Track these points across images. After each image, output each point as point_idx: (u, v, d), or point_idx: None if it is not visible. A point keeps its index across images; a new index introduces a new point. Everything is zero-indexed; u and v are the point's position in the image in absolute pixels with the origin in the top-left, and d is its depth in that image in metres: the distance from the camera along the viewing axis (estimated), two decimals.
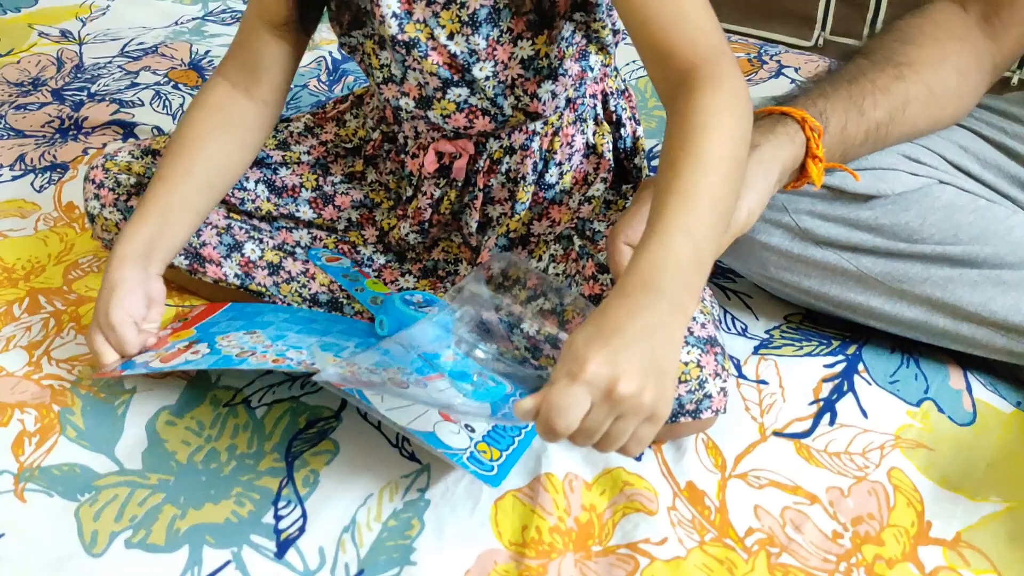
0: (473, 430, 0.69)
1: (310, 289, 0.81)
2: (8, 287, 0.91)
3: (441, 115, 0.77)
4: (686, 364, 0.69)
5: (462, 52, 0.74)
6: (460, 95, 0.76)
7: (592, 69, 0.79)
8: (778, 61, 1.37)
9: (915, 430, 0.76)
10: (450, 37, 0.74)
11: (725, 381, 0.71)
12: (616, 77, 0.84)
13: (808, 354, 0.83)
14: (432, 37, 0.74)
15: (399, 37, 0.74)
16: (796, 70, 1.34)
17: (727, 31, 1.56)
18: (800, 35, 2.20)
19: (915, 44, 0.81)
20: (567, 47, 0.76)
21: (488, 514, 0.68)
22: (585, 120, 0.82)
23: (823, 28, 2.19)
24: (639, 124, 0.86)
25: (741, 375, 0.81)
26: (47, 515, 0.68)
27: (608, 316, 0.55)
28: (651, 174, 0.88)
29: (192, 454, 0.73)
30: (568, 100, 0.79)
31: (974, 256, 0.76)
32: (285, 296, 0.82)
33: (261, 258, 0.83)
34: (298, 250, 0.83)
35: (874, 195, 0.78)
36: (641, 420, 0.54)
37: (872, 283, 0.79)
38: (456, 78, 0.75)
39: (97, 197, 0.85)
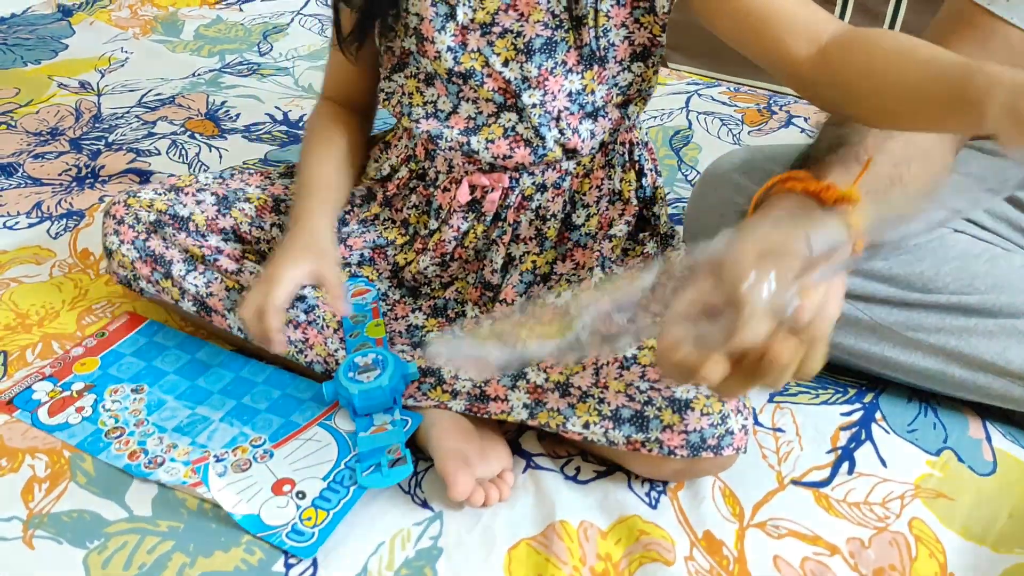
0: (303, 496, 0.71)
1: (306, 357, 0.81)
2: (22, 332, 0.91)
3: (486, 139, 0.79)
4: (707, 397, 0.68)
5: (515, 78, 0.77)
6: (511, 120, 0.79)
7: (629, 118, 0.82)
8: (787, 111, 1.38)
9: (935, 479, 0.75)
10: (505, 64, 0.77)
11: (746, 419, 0.70)
12: (640, 129, 0.86)
13: (825, 402, 0.82)
14: (487, 64, 0.77)
15: (456, 69, 0.77)
16: (805, 119, 1.35)
17: (735, 83, 1.59)
18: None
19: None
20: (616, 92, 0.78)
21: (502, 563, 0.67)
22: (614, 166, 0.83)
23: None
24: (660, 175, 0.87)
25: (757, 422, 0.80)
26: (56, 562, 0.67)
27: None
28: (669, 222, 0.88)
29: (202, 501, 0.72)
30: (602, 144, 0.81)
31: (990, 305, 0.75)
32: (285, 356, 0.82)
33: None
34: (300, 315, 0.83)
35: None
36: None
37: (886, 333, 0.79)
38: (509, 103, 0.78)
39: (116, 233, 0.86)
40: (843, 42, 0.63)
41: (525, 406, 0.73)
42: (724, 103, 1.41)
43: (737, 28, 0.69)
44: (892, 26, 2.09)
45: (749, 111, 1.39)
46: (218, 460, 0.75)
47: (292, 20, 1.74)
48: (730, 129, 1.32)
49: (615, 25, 0.77)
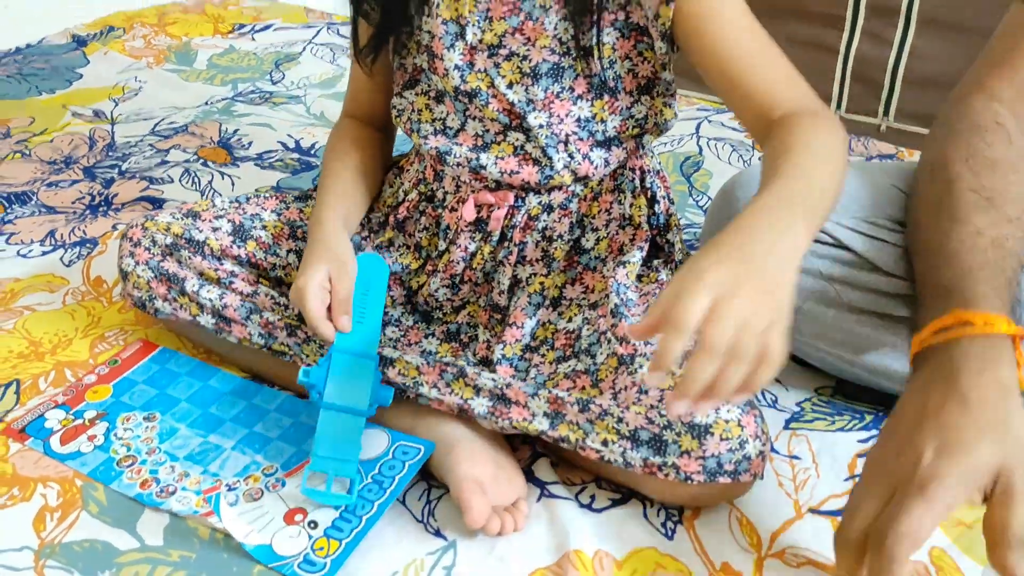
0: (315, 526, 0.70)
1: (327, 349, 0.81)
2: (35, 360, 0.91)
3: (496, 156, 0.80)
4: (727, 422, 0.68)
5: (520, 100, 0.78)
6: (518, 139, 0.80)
7: (643, 147, 0.83)
8: None
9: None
10: (509, 86, 0.79)
11: (764, 445, 0.69)
12: (653, 157, 0.86)
13: (841, 429, 0.82)
14: (492, 86, 0.79)
15: (462, 87, 0.79)
16: None
17: None
18: None
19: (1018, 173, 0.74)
20: (632, 123, 0.80)
21: None
22: (623, 191, 0.84)
23: (839, 107, 2.23)
24: (673, 203, 0.87)
25: (773, 449, 0.79)
26: None
27: (722, 241, 0.58)
28: (684, 248, 0.88)
29: (214, 531, 0.71)
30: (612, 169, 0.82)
31: None
32: (307, 356, 0.82)
33: (281, 319, 0.83)
34: None
35: None
36: (764, 328, 0.54)
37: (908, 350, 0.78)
38: (514, 124, 0.79)
39: (132, 255, 0.87)
40: (777, 126, 0.71)
41: (546, 415, 0.73)
42: (734, 129, 1.41)
43: (714, 85, 0.76)
44: (889, 96, 2.10)
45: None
46: (230, 489, 0.74)
47: (304, 49, 1.75)
48: (740, 155, 1.32)
49: (620, 57, 0.78)
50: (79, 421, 0.82)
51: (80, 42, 1.75)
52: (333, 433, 0.73)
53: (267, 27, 1.85)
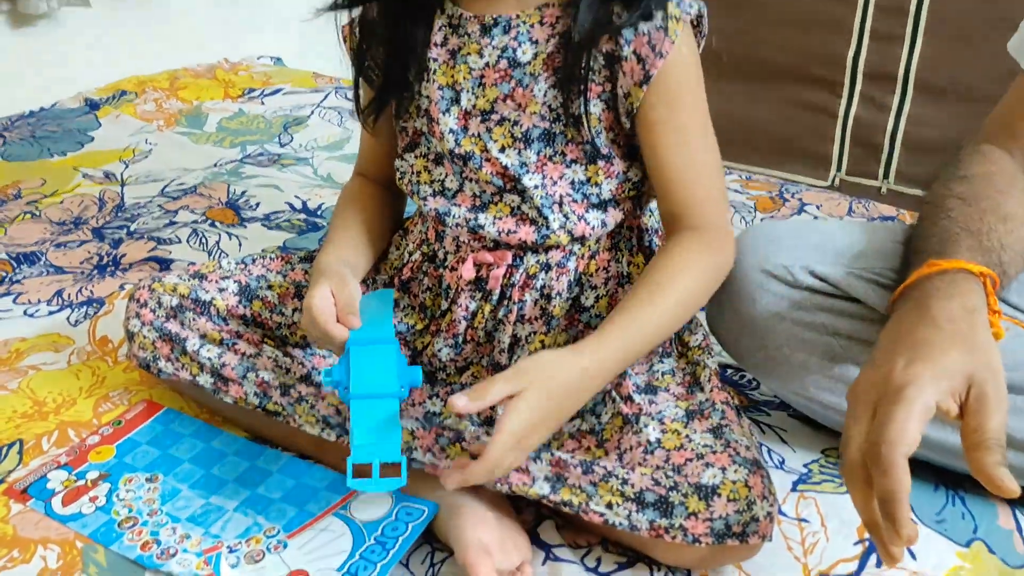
0: None
1: (319, 411, 0.81)
2: (38, 420, 0.91)
3: (493, 216, 0.81)
4: (733, 483, 0.67)
5: (513, 164, 0.80)
6: (514, 200, 0.81)
7: (641, 207, 0.84)
8: (800, 199, 1.39)
9: (966, 572, 0.73)
10: (502, 150, 0.80)
11: (772, 506, 0.68)
12: (652, 216, 0.87)
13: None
14: (485, 150, 0.80)
15: (457, 151, 0.80)
16: (818, 207, 1.36)
17: (747, 172, 1.61)
18: (816, 175, 2.27)
19: (1004, 193, 0.78)
20: (629, 187, 0.81)
21: None
22: (621, 250, 0.85)
23: (839, 169, 2.25)
24: None
25: (781, 512, 0.78)
26: None
27: (545, 406, 0.69)
28: None
29: None
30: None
31: (1019, 383, 0.74)
32: (299, 416, 0.82)
33: (276, 379, 0.83)
34: (315, 374, 0.84)
35: None
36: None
37: None
38: (509, 186, 0.80)
39: (138, 316, 0.88)
40: (675, 235, 0.80)
41: (547, 479, 0.72)
42: (737, 191, 1.43)
43: (647, 168, 0.81)
44: (889, 159, 2.13)
45: (761, 198, 1.40)
46: (231, 551, 0.73)
47: (312, 112, 1.78)
48: (743, 216, 1.34)
49: (605, 128, 0.79)
50: (81, 482, 0.81)
51: (93, 106, 1.78)
52: (368, 421, 0.71)
53: (276, 91, 1.89)
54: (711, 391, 0.78)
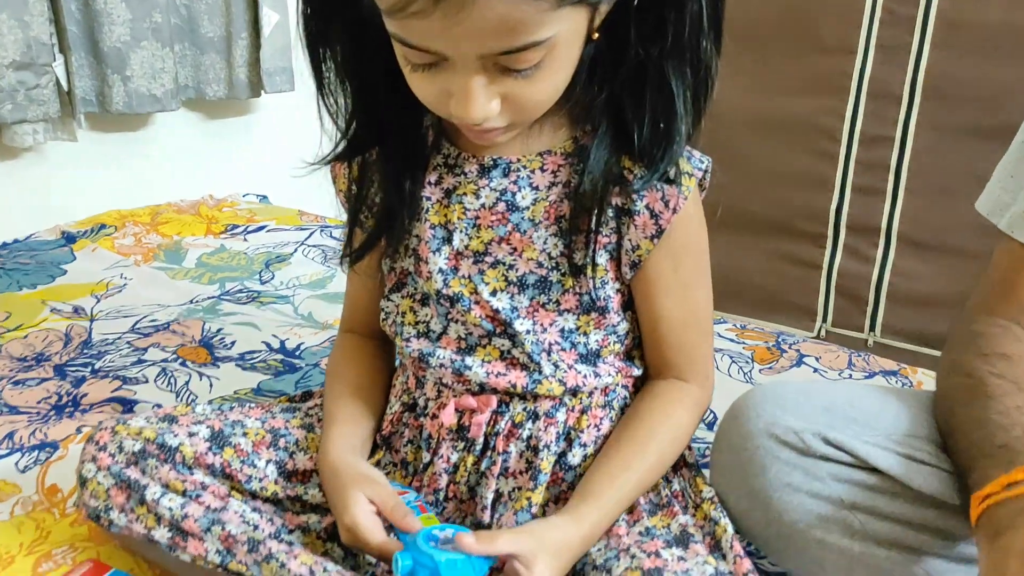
0: None
1: (290, 570, 0.72)
2: None
3: (482, 359, 0.77)
4: None
5: (504, 308, 0.77)
6: (504, 344, 0.78)
7: (633, 363, 0.82)
8: (797, 350, 1.35)
9: None
10: (493, 293, 0.77)
11: None
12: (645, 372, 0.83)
13: None
14: (475, 292, 0.77)
15: (444, 291, 0.77)
16: (817, 359, 1.32)
17: (741, 322, 1.57)
18: (802, 326, 2.25)
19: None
20: (614, 339, 0.79)
21: None
22: (614, 408, 0.81)
23: (824, 320, 2.24)
24: None
25: None
26: None
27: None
28: (695, 466, 0.82)
29: None
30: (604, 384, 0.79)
31: None
32: None
33: (243, 533, 0.75)
34: (286, 534, 0.76)
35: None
36: None
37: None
38: (499, 330, 0.77)
39: (95, 460, 0.79)
40: (656, 384, 0.81)
41: None
42: (732, 340, 1.38)
43: (638, 313, 0.80)
44: (875, 310, 2.14)
45: (758, 348, 1.36)
46: None
47: (296, 250, 1.75)
48: (740, 367, 1.29)
49: (611, 279, 0.77)
50: None
51: (69, 238, 1.74)
52: None
53: (260, 228, 1.86)
54: (734, 561, 0.70)
